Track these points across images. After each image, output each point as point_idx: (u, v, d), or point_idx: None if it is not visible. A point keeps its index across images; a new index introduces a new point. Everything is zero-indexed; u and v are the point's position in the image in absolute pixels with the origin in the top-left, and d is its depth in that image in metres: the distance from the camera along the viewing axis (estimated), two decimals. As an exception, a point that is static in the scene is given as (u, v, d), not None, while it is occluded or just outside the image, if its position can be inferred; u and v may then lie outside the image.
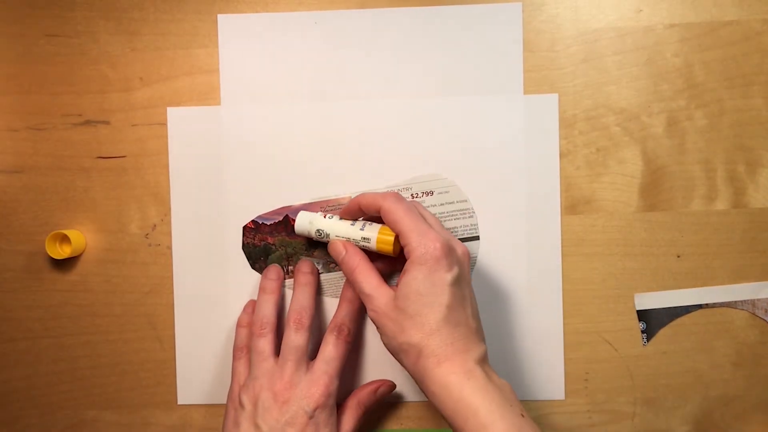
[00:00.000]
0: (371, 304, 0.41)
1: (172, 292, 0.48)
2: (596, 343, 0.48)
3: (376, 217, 0.43)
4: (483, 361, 0.40)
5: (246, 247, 0.48)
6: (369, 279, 0.42)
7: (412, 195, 0.48)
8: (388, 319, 0.40)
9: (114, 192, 0.48)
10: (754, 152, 0.47)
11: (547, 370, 0.48)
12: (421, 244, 0.39)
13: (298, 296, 0.45)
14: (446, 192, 0.48)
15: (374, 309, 0.41)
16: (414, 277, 0.39)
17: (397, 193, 0.43)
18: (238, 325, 0.47)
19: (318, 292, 0.48)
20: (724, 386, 0.47)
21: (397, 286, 0.41)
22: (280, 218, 0.48)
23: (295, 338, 0.43)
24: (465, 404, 0.37)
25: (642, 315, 0.47)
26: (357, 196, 0.44)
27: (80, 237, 0.48)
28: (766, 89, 0.46)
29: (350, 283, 0.43)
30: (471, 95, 0.47)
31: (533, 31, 0.47)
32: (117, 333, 0.49)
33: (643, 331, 0.47)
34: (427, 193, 0.48)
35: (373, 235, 0.43)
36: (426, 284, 0.39)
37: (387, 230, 0.43)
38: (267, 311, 0.45)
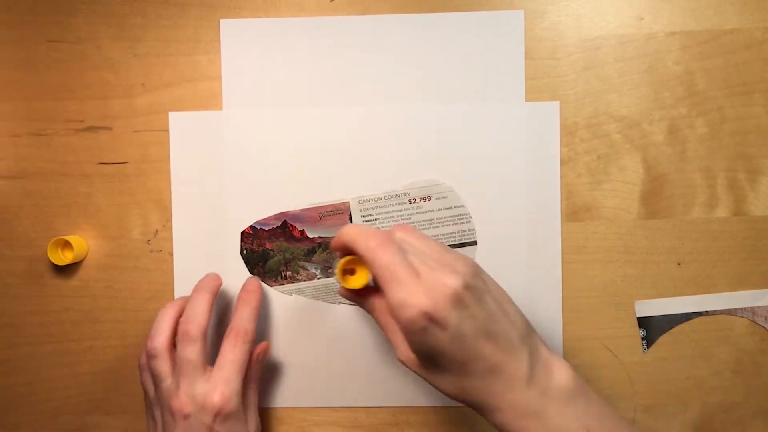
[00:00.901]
0: None
1: (174, 298, 0.48)
2: (596, 349, 0.48)
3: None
4: None
5: (245, 253, 0.48)
6: None
7: (410, 200, 0.48)
8: None
9: (116, 198, 0.48)
10: (755, 160, 0.47)
11: (548, 377, 0.48)
12: (401, 311, 0.35)
13: (191, 305, 0.43)
14: (444, 197, 0.48)
15: None
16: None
17: (376, 231, 0.37)
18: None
19: (316, 297, 0.48)
20: (724, 393, 0.48)
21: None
22: (278, 223, 0.48)
23: (184, 352, 0.41)
24: None
25: (642, 322, 0.47)
26: (339, 231, 0.39)
27: (82, 243, 0.48)
28: (767, 97, 0.46)
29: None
30: (472, 102, 0.47)
31: (535, 39, 0.47)
32: (119, 338, 0.49)
33: (643, 338, 0.48)
34: (425, 199, 0.48)
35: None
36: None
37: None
38: (164, 332, 0.43)
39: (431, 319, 0.34)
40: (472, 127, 0.47)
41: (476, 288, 0.36)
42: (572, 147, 0.47)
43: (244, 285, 0.47)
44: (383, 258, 0.35)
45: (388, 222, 0.48)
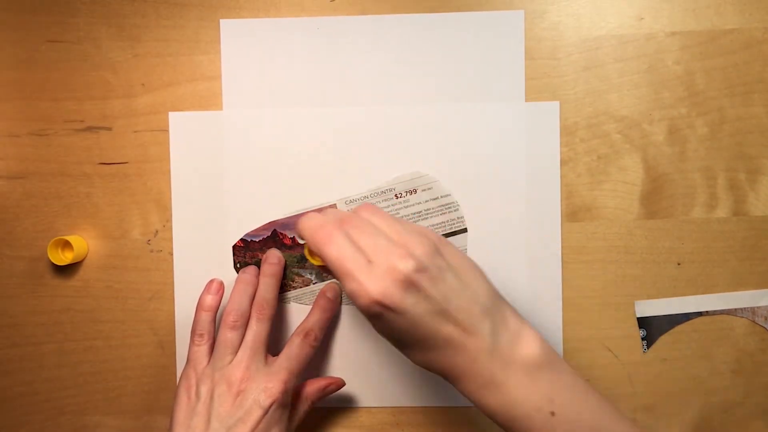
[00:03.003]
0: None
1: (174, 298, 0.48)
2: (596, 350, 0.48)
3: None
4: None
5: (238, 267, 0.48)
6: None
7: (396, 195, 0.48)
8: None
9: (116, 198, 0.48)
10: (755, 160, 0.47)
11: (548, 377, 0.48)
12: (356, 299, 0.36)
13: (261, 288, 0.45)
14: (429, 189, 0.48)
15: None
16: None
17: (323, 222, 0.38)
18: (201, 308, 0.45)
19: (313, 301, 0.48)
20: (724, 393, 0.48)
21: None
22: (269, 233, 0.48)
23: (256, 327, 0.44)
24: None
25: (642, 322, 0.48)
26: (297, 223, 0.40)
27: (82, 243, 0.48)
28: (767, 97, 0.46)
29: None
30: (472, 102, 0.47)
31: (535, 39, 0.47)
32: (119, 338, 0.49)
33: (643, 338, 0.48)
34: (411, 192, 0.48)
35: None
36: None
37: None
38: (244, 304, 0.44)
39: (384, 306, 0.35)
40: (472, 127, 0.47)
41: (433, 267, 0.36)
42: (572, 147, 0.47)
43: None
44: (330, 253, 0.36)
45: None
